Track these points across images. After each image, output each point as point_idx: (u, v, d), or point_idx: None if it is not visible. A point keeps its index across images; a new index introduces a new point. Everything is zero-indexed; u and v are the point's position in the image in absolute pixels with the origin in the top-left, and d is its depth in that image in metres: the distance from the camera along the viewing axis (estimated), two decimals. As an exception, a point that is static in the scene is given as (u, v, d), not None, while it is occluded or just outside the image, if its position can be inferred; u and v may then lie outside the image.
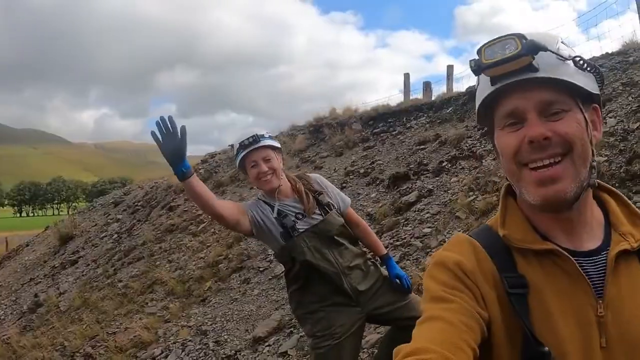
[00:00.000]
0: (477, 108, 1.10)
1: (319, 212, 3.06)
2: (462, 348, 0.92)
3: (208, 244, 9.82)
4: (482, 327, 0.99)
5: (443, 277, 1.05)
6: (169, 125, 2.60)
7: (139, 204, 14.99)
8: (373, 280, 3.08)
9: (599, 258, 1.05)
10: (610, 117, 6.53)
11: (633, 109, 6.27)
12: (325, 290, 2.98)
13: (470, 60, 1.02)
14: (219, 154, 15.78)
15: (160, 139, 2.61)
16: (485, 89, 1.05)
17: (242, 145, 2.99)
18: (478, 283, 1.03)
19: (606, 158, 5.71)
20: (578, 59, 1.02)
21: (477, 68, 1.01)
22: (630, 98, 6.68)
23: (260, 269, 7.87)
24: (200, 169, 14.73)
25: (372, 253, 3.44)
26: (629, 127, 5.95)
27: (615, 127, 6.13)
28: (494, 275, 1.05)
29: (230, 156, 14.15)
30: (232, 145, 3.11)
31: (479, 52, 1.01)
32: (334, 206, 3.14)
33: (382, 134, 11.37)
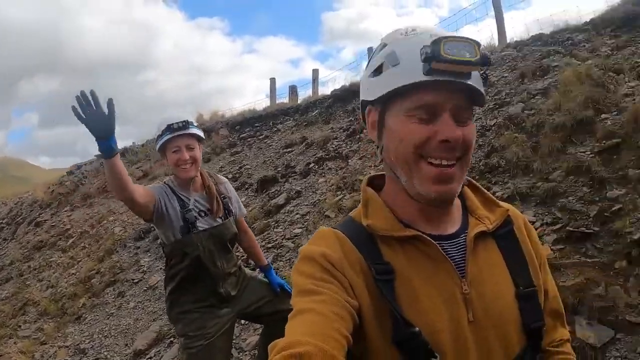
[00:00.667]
0: (386, 90, 1.06)
1: (221, 215, 3.10)
2: (335, 337, 0.92)
3: (79, 259, 9.60)
4: (353, 315, 1.00)
5: (310, 270, 1.05)
6: (91, 101, 2.35)
7: (4, 221, 14.06)
8: (241, 284, 3.20)
9: (458, 240, 1.12)
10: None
11: (490, 107, 7.01)
12: (203, 291, 3.01)
13: (426, 46, 0.97)
14: (86, 164, 15.21)
15: (83, 115, 2.35)
16: (409, 74, 1.01)
17: (170, 128, 2.94)
18: (346, 273, 1.04)
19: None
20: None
21: (432, 56, 0.96)
22: (487, 97, 7.51)
23: (135, 281, 7.88)
24: (66, 182, 14.11)
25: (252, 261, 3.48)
26: (486, 123, 6.65)
27: (474, 124, 6.87)
28: (361, 264, 1.06)
29: (97, 167, 13.72)
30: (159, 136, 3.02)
31: (436, 43, 0.97)
32: (233, 214, 3.23)
33: (249, 139, 11.65)
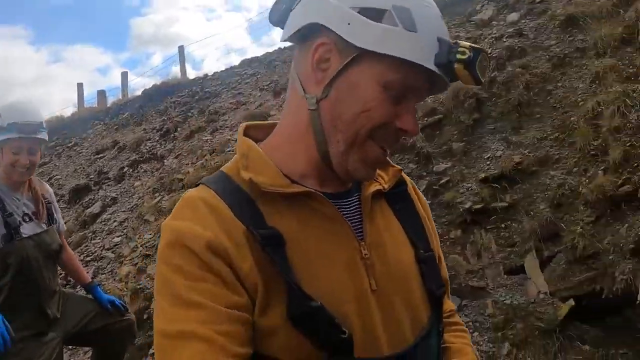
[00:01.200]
0: (385, 51, 0.87)
1: (45, 221, 2.91)
2: None
3: None
4: (246, 319, 0.87)
5: (184, 264, 0.87)
6: None
7: None
8: (63, 304, 2.97)
9: (352, 200, 1.02)
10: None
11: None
12: (29, 314, 2.76)
13: (464, 47, 0.89)
14: None
15: None
16: (421, 53, 0.89)
17: (18, 127, 2.70)
18: (231, 259, 0.87)
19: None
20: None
21: (466, 62, 0.89)
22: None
23: None
24: None
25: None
26: None
27: None
28: (244, 235, 0.89)
29: None
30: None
31: (477, 53, 0.89)
32: (57, 222, 3.03)
33: (57, 147, 11.00)
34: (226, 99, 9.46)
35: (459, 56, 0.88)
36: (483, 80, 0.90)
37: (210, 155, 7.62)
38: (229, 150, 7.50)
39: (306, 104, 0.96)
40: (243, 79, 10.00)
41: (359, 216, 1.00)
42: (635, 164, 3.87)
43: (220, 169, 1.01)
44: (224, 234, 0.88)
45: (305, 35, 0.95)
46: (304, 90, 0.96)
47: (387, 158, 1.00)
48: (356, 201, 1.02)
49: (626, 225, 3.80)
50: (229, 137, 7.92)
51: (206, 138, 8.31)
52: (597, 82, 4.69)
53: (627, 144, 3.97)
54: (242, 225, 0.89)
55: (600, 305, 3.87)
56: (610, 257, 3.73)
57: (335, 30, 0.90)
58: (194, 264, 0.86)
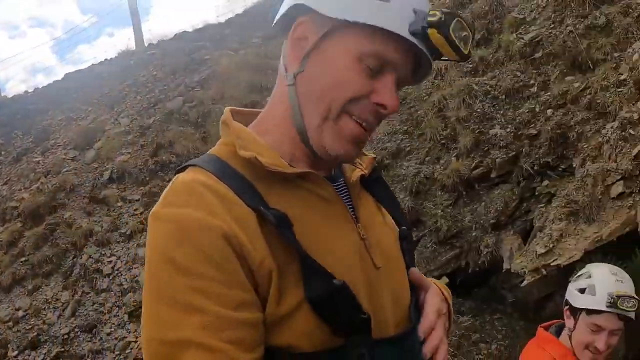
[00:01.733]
0: (359, 19, 0.87)
1: None
2: None
3: None
4: (254, 317, 0.82)
5: (190, 262, 0.79)
6: None
7: None
8: None
9: (338, 184, 1.02)
10: (123, 117, 7.26)
11: (144, 106, 7.06)
12: None
13: (436, 11, 0.88)
14: None
15: None
16: (395, 21, 0.88)
17: None
18: (244, 251, 0.81)
19: (129, 156, 6.35)
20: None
21: (438, 25, 0.88)
22: (138, 97, 7.53)
23: None
24: None
25: None
26: (144, 123, 6.68)
27: (131, 126, 6.82)
28: (255, 219, 0.85)
29: None
30: None
31: (451, 17, 0.88)
32: None
33: None
34: (54, 116, 8.68)
35: (429, 19, 0.87)
36: (467, 52, 0.91)
37: (46, 177, 6.93)
38: (66, 171, 6.91)
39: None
40: (69, 93, 9.28)
41: (348, 199, 1.00)
42: (485, 148, 4.31)
43: (208, 152, 0.96)
44: (235, 222, 0.81)
45: (291, 21, 0.96)
46: (286, 71, 0.96)
47: (367, 141, 0.98)
48: (343, 186, 1.02)
49: (483, 203, 4.22)
50: (64, 156, 7.29)
51: (37, 159, 7.54)
52: (439, 77, 5.15)
53: (476, 131, 4.40)
54: (250, 210, 0.84)
55: (467, 279, 4.29)
56: (474, 234, 4.12)
57: (311, 5, 0.90)
58: (199, 259, 0.78)
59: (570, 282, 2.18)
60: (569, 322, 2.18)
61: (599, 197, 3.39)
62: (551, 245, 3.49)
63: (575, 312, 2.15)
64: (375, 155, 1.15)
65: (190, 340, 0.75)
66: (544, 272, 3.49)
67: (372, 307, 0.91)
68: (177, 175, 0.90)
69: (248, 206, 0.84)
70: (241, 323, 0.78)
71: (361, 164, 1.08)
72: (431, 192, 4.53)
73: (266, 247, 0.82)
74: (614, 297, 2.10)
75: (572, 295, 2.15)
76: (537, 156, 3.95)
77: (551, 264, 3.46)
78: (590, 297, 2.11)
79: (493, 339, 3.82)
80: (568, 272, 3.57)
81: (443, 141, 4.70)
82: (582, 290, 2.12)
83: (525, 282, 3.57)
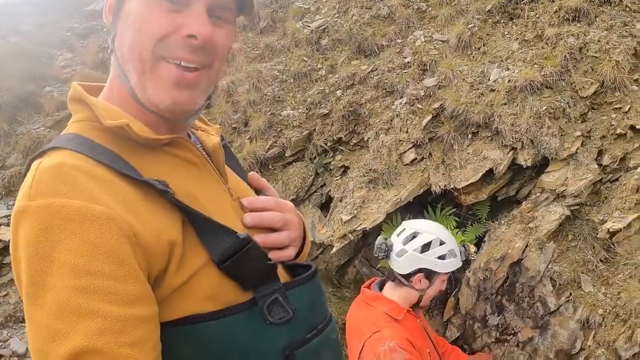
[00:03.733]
0: None
1: None
2: None
3: None
4: (150, 312, 0.77)
5: (75, 259, 0.71)
6: None
7: None
8: None
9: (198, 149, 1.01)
10: None
11: None
12: None
13: None
14: None
15: None
16: None
17: None
18: (135, 235, 0.76)
19: None
20: None
21: None
22: None
23: None
24: None
25: None
26: None
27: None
28: (139, 196, 0.80)
29: None
30: None
31: None
32: None
33: None
34: None
35: None
36: None
37: None
38: None
39: None
40: None
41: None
42: (279, 129, 4.47)
43: (63, 133, 0.90)
44: (119, 204, 0.77)
45: None
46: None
47: (204, 85, 0.95)
48: (202, 151, 1.02)
49: (280, 182, 4.37)
50: None
51: None
52: (225, 63, 5.16)
53: (268, 113, 4.53)
54: (131, 185, 0.80)
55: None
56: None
57: None
58: (85, 254, 0.71)
59: (418, 252, 2.38)
60: (420, 284, 2.42)
61: (395, 164, 3.82)
62: (355, 212, 3.79)
63: (432, 275, 2.43)
64: (220, 126, 1.25)
65: (84, 349, 0.67)
66: (352, 238, 3.76)
67: None
68: (36, 162, 0.80)
69: (127, 182, 0.80)
70: (140, 320, 0.73)
71: (210, 131, 1.10)
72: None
73: (158, 221, 0.79)
74: (464, 250, 2.50)
75: (432, 263, 2.40)
76: (329, 133, 4.25)
77: (357, 229, 3.75)
78: (453, 260, 2.44)
79: (309, 309, 3.94)
80: (364, 237, 3.94)
81: (235, 125, 4.74)
82: (442, 257, 2.41)
83: (335, 249, 3.80)
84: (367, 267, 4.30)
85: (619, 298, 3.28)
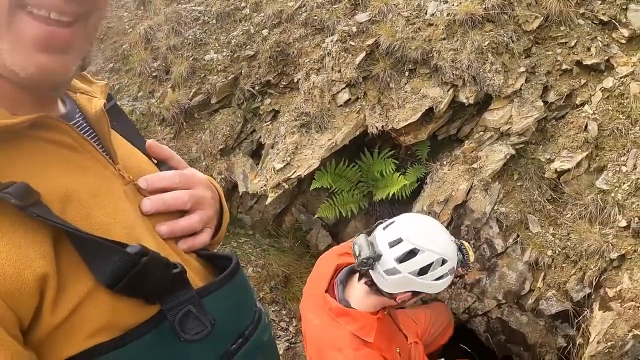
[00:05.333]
0: None
1: None
2: None
3: None
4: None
5: None
6: None
7: None
8: None
9: (76, 123, 0.83)
10: None
11: None
12: None
13: None
14: None
15: None
16: None
17: None
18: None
19: None
20: None
21: None
22: None
23: None
24: None
25: None
26: None
27: None
28: None
29: None
30: None
31: None
32: None
33: None
34: None
35: None
36: None
37: None
38: None
39: None
40: None
41: (93, 138, 0.83)
42: (202, 75, 4.06)
43: None
44: None
45: None
46: None
47: (79, 44, 0.73)
48: (81, 123, 0.84)
49: (207, 131, 3.98)
50: None
51: None
52: (142, 7, 4.67)
53: (190, 58, 4.10)
54: None
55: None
56: (204, 163, 3.85)
57: None
58: None
59: (414, 276, 1.90)
60: (403, 298, 2.00)
61: (328, 106, 3.48)
62: (288, 159, 3.46)
63: (421, 293, 2.01)
64: (107, 82, 1.02)
65: None
66: (286, 186, 3.43)
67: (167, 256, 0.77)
68: None
69: None
70: None
71: (94, 91, 0.91)
72: (150, 128, 4.14)
73: (16, 253, 0.63)
74: (462, 258, 2.04)
75: (427, 286, 1.95)
76: (257, 76, 3.88)
77: (291, 177, 3.42)
78: (450, 277, 1.99)
79: (248, 263, 3.66)
80: (299, 184, 3.62)
81: (155, 73, 4.30)
82: (440, 278, 1.94)
83: (269, 200, 3.47)
84: (304, 214, 4.01)
85: (568, 239, 3.11)
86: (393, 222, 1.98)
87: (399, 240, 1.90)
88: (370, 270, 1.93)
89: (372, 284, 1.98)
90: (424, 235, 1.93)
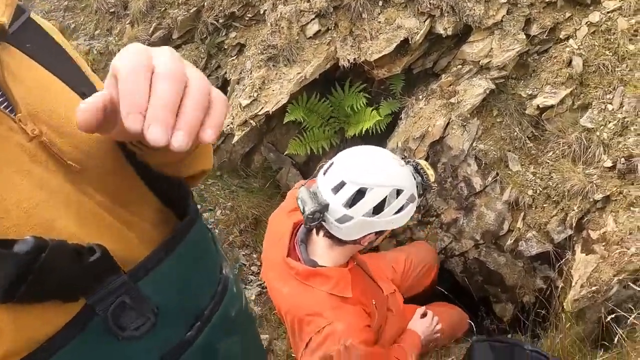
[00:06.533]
0: None
1: None
2: None
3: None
4: None
5: None
6: None
7: None
8: None
9: None
10: None
11: None
12: None
13: None
14: None
15: None
16: None
17: None
18: None
19: None
20: None
21: None
22: None
23: None
24: None
25: None
26: None
27: None
28: None
29: None
30: None
31: None
32: None
33: None
34: None
35: None
36: None
37: None
38: None
39: None
40: None
41: None
42: (162, 9, 3.78)
43: None
44: None
45: None
46: None
47: None
48: None
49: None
50: None
51: None
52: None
53: (150, -9, 3.79)
54: None
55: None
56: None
57: None
58: None
59: (369, 217, 1.69)
60: (369, 240, 1.80)
61: (297, 38, 3.22)
62: (255, 95, 3.22)
63: (385, 230, 1.79)
64: None
65: None
66: (253, 124, 3.21)
67: (97, 232, 0.61)
68: None
69: None
70: None
71: None
72: (109, 68, 3.84)
73: None
74: (421, 181, 1.82)
75: (389, 223, 1.74)
76: (221, 8, 3.58)
77: (259, 114, 3.19)
78: (413, 205, 1.77)
79: (216, 206, 3.47)
80: (268, 121, 3.39)
81: (112, 9, 4.00)
82: (400, 209, 1.72)
83: (236, 138, 3.24)
84: (274, 152, 3.78)
85: (550, 178, 2.96)
86: (332, 163, 1.75)
87: (342, 184, 1.66)
88: (322, 223, 1.72)
89: (331, 235, 1.78)
90: (366, 171, 1.69)
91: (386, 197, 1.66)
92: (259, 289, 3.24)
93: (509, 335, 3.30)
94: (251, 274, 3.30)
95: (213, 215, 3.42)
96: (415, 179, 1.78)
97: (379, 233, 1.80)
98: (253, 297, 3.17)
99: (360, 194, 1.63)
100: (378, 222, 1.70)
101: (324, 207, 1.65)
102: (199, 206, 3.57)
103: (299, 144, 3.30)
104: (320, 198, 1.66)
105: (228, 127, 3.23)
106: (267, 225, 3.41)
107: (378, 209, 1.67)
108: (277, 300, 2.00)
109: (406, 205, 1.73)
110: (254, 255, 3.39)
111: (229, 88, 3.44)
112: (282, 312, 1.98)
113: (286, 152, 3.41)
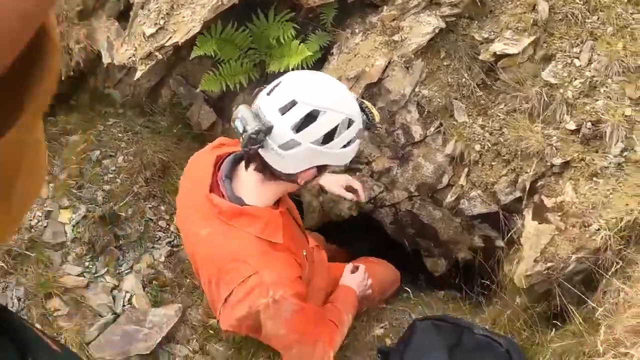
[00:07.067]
0: None
1: None
2: None
3: None
4: None
5: None
6: None
7: None
8: None
9: None
10: None
11: None
12: None
13: None
14: None
15: None
16: None
17: None
18: None
19: None
20: None
21: None
22: None
23: None
24: None
25: None
26: None
27: None
28: None
29: None
30: None
31: None
32: None
33: None
34: None
35: None
36: None
37: None
38: None
39: None
40: None
41: None
42: None
43: None
44: None
45: None
46: None
47: None
48: None
49: None
50: None
51: None
52: None
53: None
54: None
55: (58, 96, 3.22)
56: (57, 30, 2.93)
57: None
58: None
59: (318, 145, 1.49)
60: (305, 178, 1.58)
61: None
62: (162, 22, 2.65)
63: (326, 167, 1.61)
64: None
65: None
66: (159, 57, 2.65)
67: None
68: None
69: None
70: None
71: None
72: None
73: None
74: (367, 120, 1.62)
75: (334, 157, 1.55)
76: None
77: (166, 45, 2.63)
78: (358, 142, 1.61)
79: (117, 151, 2.95)
80: (177, 51, 2.85)
81: None
82: (348, 143, 1.55)
83: (139, 74, 2.67)
84: (184, 86, 3.22)
85: (501, 134, 2.66)
86: (279, 83, 1.51)
87: (293, 103, 1.45)
88: (260, 150, 1.48)
89: (264, 168, 1.55)
90: (321, 92, 1.51)
91: (338, 125, 1.50)
92: (169, 247, 2.82)
93: (442, 293, 3.13)
94: (159, 230, 2.87)
95: (114, 162, 2.90)
96: (362, 117, 1.60)
97: (320, 169, 1.60)
98: (162, 259, 2.76)
99: (311, 117, 1.46)
100: (325, 152, 1.52)
101: (268, 129, 1.43)
102: (97, 152, 3.04)
103: (213, 79, 2.78)
104: (264, 119, 1.44)
105: (130, 60, 2.66)
106: (176, 173, 2.99)
107: (328, 137, 1.50)
108: (193, 248, 1.75)
109: (353, 140, 1.57)
110: (162, 208, 2.93)
111: (131, 13, 2.81)
112: (198, 263, 1.73)
113: (199, 89, 2.89)
